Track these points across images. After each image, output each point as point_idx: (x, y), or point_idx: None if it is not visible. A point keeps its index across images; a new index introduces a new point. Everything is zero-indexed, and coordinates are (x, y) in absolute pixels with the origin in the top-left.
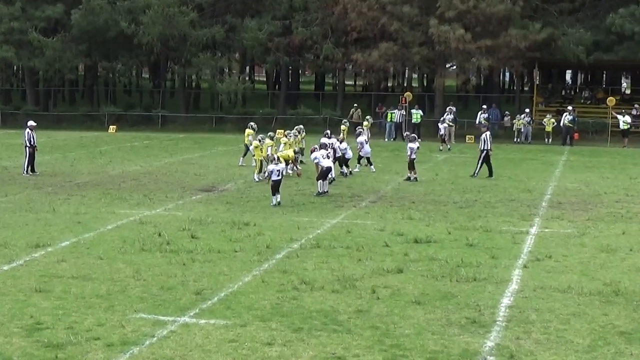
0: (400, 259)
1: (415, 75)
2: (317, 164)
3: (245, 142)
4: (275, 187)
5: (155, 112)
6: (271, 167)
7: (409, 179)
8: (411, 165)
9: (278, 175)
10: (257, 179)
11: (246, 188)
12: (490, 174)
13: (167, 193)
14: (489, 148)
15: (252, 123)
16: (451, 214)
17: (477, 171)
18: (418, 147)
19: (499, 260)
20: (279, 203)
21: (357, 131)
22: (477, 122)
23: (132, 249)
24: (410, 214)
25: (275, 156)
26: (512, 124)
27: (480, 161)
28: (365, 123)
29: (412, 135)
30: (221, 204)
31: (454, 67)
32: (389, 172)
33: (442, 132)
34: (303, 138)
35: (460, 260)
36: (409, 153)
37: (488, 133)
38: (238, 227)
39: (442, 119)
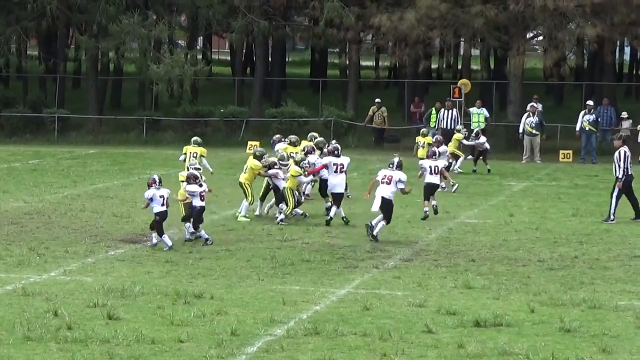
0: (452, 353)
1: (476, 52)
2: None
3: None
4: (197, 217)
5: (49, 112)
6: (192, 187)
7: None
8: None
9: (202, 200)
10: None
11: (197, 237)
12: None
13: (67, 245)
14: (627, 173)
15: (196, 139)
16: (535, 279)
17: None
18: (450, 167)
19: (613, 355)
20: (207, 240)
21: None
22: (577, 127)
23: (11, 337)
24: (467, 279)
25: (198, 173)
26: (638, 132)
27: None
28: (420, 139)
29: (434, 149)
30: (157, 264)
31: (540, 38)
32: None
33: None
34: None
35: (551, 355)
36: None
37: (624, 149)
38: (185, 302)
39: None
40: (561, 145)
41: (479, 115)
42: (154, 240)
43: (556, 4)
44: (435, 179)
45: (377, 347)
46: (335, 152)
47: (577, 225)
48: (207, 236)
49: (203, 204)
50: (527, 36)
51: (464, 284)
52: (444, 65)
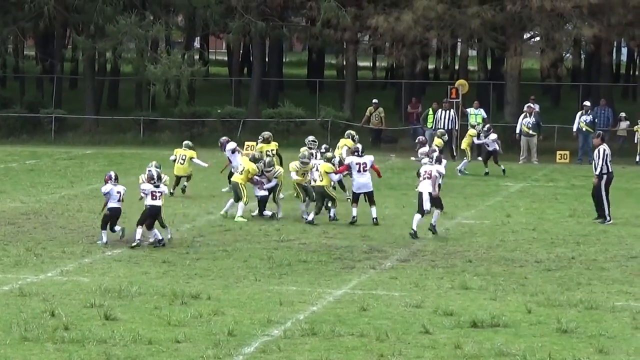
0: (449, 354)
1: (473, 53)
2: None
3: (179, 172)
4: (147, 217)
5: (46, 112)
6: (145, 186)
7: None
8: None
9: (155, 198)
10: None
11: (194, 238)
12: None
13: (64, 246)
14: (607, 171)
15: (187, 142)
16: (532, 280)
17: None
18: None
19: (610, 356)
20: (160, 241)
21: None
22: (574, 128)
23: (8, 338)
24: (464, 280)
25: (156, 174)
26: (635, 133)
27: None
28: (437, 142)
29: (434, 147)
30: (154, 264)
31: (537, 39)
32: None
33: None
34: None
35: (548, 356)
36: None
37: (603, 147)
38: (182, 302)
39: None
40: (558, 146)
41: (476, 116)
42: (104, 239)
43: (553, 5)
44: None
45: (374, 347)
46: (356, 153)
47: (574, 226)
48: (160, 237)
49: (155, 203)
50: (525, 37)
51: (461, 285)
52: (441, 66)
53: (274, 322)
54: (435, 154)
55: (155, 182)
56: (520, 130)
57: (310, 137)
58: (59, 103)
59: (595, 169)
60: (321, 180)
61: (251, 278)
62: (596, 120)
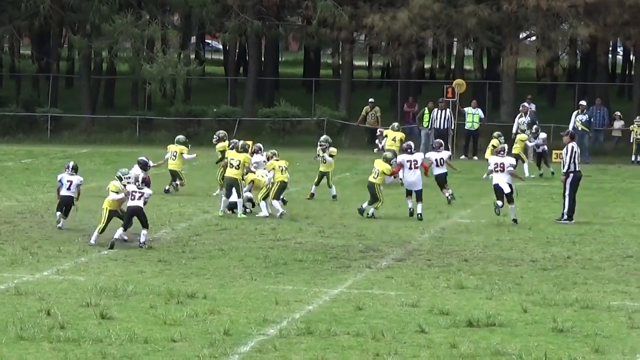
0: (445, 353)
1: (469, 52)
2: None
3: (172, 167)
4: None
5: (42, 111)
6: (131, 187)
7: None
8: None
9: (134, 199)
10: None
11: (190, 237)
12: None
13: (60, 245)
14: (574, 169)
15: (178, 138)
16: (528, 279)
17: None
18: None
19: (606, 355)
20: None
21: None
22: (570, 127)
23: (4, 337)
24: (460, 279)
25: (139, 177)
26: (630, 132)
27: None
28: (493, 142)
29: (440, 141)
30: (150, 263)
31: (533, 38)
32: (425, 210)
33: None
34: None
35: (544, 355)
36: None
37: (572, 145)
38: (178, 301)
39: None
40: (554, 145)
41: (473, 115)
42: (61, 223)
43: (549, 4)
44: (441, 170)
45: (370, 347)
46: (409, 150)
47: (569, 225)
48: (123, 238)
49: (133, 203)
50: (521, 36)
51: (456, 284)
52: (437, 65)
53: (270, 321)
54: (504, 147)
55: (138, 184)
56: (517, 129)
57: (323, 137)
58: (55, 102)
59: (563, 167)
60: (375, 177)
61: (247, 277)
62: (592, 119)
